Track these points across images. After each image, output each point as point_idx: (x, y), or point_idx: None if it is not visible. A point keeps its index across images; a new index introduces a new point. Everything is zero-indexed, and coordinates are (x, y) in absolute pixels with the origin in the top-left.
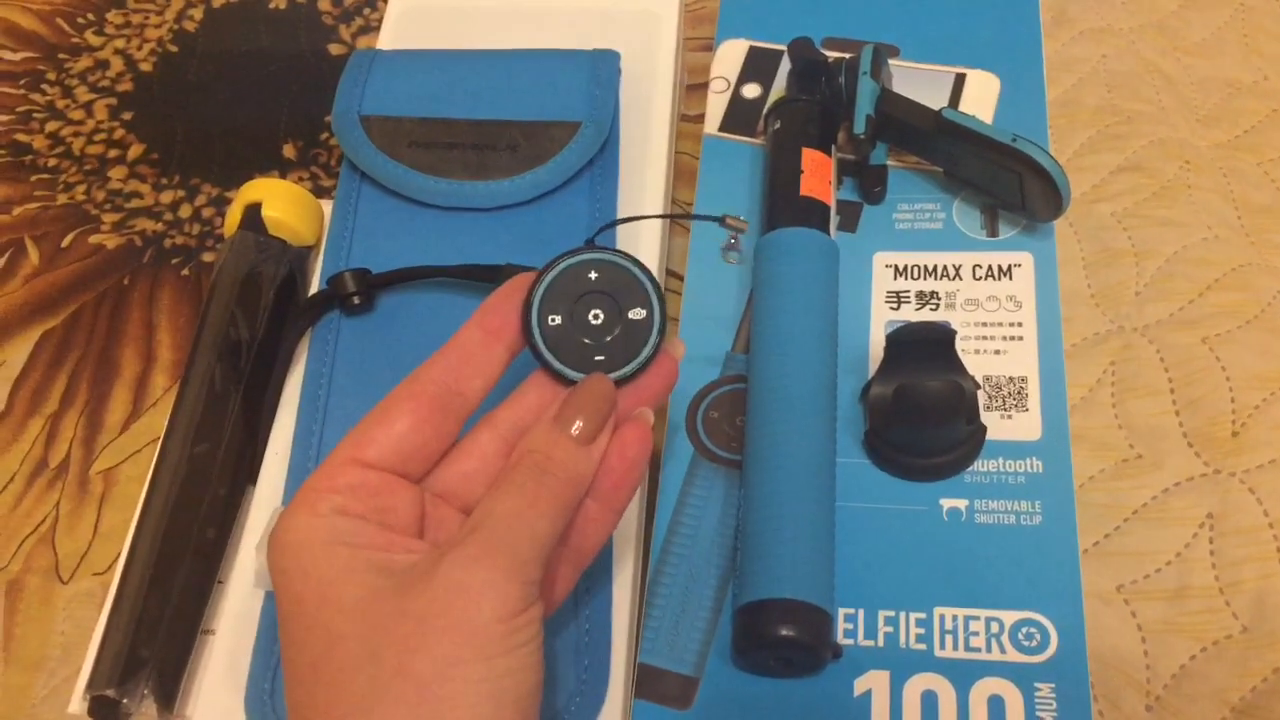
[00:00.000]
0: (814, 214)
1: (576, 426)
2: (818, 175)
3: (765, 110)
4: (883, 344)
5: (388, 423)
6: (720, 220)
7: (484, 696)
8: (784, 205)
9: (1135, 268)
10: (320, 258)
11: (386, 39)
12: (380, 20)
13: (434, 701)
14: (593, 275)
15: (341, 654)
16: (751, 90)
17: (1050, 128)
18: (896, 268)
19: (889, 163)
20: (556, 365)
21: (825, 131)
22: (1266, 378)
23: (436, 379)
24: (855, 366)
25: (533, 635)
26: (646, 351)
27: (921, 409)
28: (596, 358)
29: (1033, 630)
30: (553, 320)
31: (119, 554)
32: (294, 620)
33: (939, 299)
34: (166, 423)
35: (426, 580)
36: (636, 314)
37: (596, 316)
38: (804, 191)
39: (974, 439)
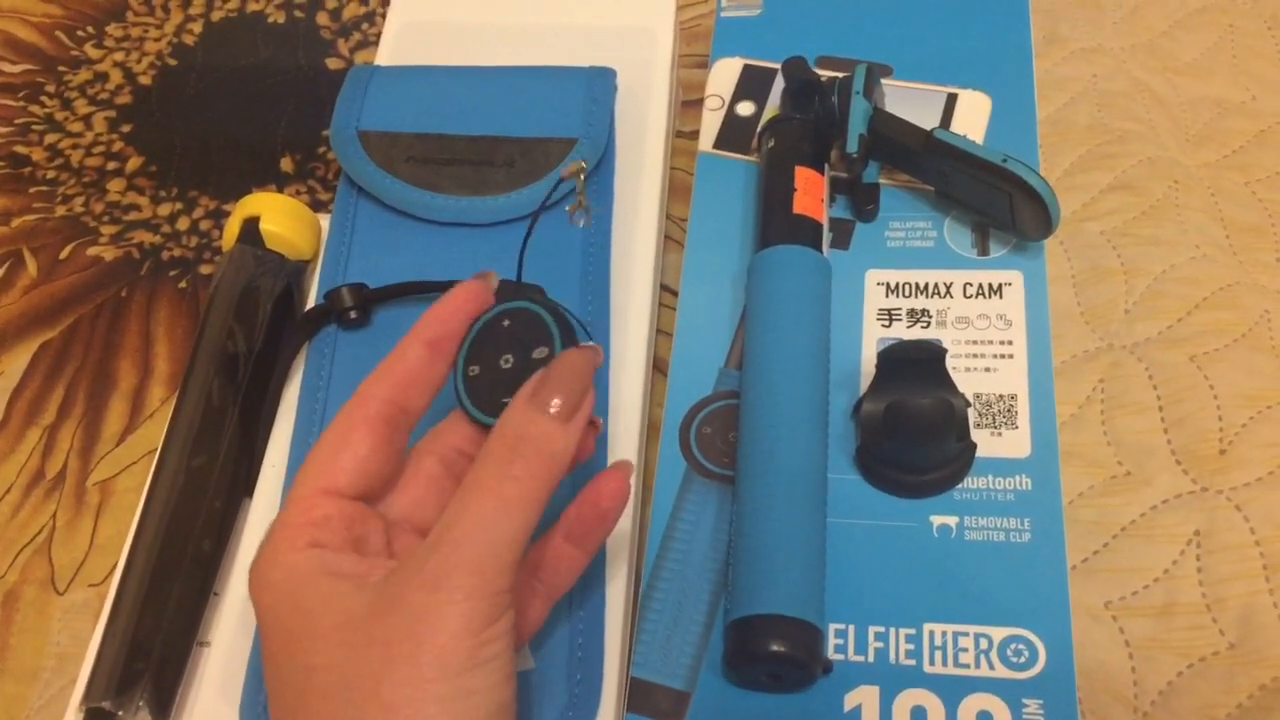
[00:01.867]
0: (807, 231)
1: (554, 404)
2: (811, 193)
3: (759, 128)
4: (874, 361)
5: (351, 449)
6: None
7: (452, 716)
8: (777, 223)
9: (1124, 286)
10: (317, 272)
11: (385, 54)
12: (378, 35)
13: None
14: (506, 323)
15: (322, 682)
16: (746, 108)
17: (1041, 146)
18: (888, 285)
19: (881, 181)
20: (473, 412)
21: (818, 150)
22: (1253, 396)
23: (386, 397)
24: (847, 383)
25: (500, 650)
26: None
27: (912, 426)
28: (503, 400)
29: (1021, 647)
30: (472, 371)
31: (115, 565)
32: (283, 654)
33: (930, 316)
34: (164, 434)
35: (391, 605)
36: (540, 353)
37: (507, 361)
38: (797, 209)
39: (964, 456)
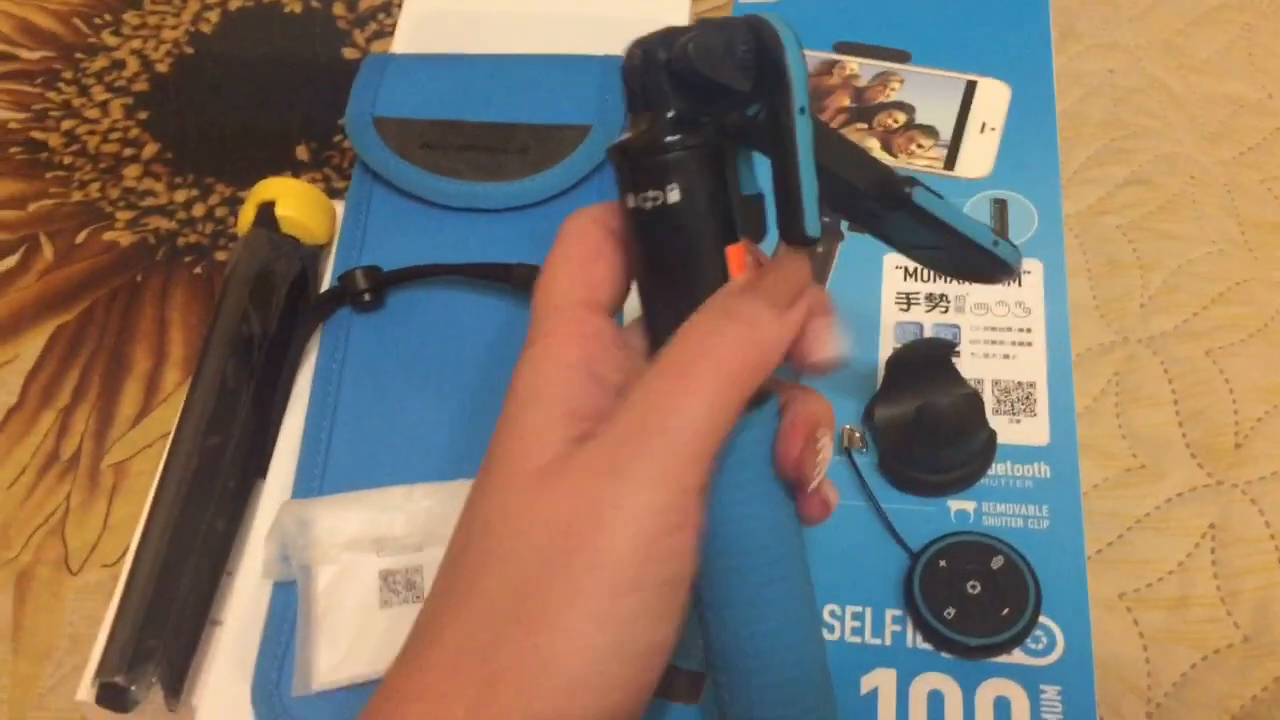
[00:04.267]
0: None
1: (769, 295)
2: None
3: (616, 154)
4: (893, 343)
5: (605, 260)
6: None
7: (601, 644)
8: None
9: (1140, 280)
10: (332, 257)
11: (401, 43)
12: (395, 26)
13: (549, 633)
14: (942, 563)
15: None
16: None
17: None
18: (906, 269)
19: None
20: (971, 641)
21: (731, 198)
22: (1269, 390)
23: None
24: (865, 377)
25: (674, 574)
26: (1030, 586)
27: (944, 425)
28: (1003, 612)
29: (1039, 633)
30: (949, 613)
31: (128, 547)
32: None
33: (948, 301)
34: (179, 414)
35: (569, 488)
36: (997, 562)
37: (974, 587)
38: None
39: (988, 446)
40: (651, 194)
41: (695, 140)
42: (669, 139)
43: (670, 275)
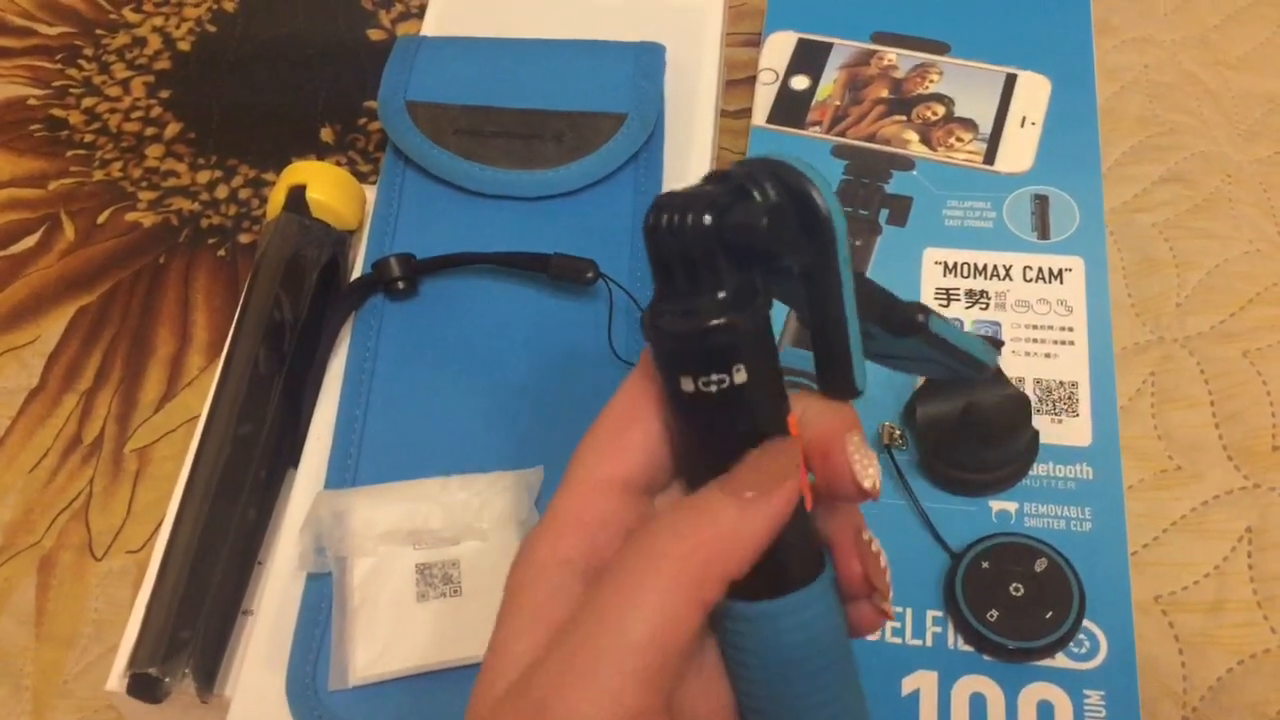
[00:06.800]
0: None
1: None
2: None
3: (654, 330)
4: None
5: (641, 423)
6: None
7: None
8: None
9: (1176, 279)
10: (362, 243)
11: (430, 26)
12: (421, 7)
13: None
14: (985, 565)
15: None
16: (800, 82)
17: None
18: (946, 264)
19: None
20: (1018, 645)
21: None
22: None
23: None
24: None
25: None
26: (1074, 590)
27: (989, 424)
28: (1047, 615)
29: (1082, 637)
30: (991, 616)
31: (153, 532)
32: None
33: (989, 298)
34: (209, 402)
35: (518, 709)
36: (1040, 565)
37: (1017, 590)
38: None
39: (1031, 446)
40: (716, 377)
41: (759, 315)
42: (734, 318)
43: (737, 456)
